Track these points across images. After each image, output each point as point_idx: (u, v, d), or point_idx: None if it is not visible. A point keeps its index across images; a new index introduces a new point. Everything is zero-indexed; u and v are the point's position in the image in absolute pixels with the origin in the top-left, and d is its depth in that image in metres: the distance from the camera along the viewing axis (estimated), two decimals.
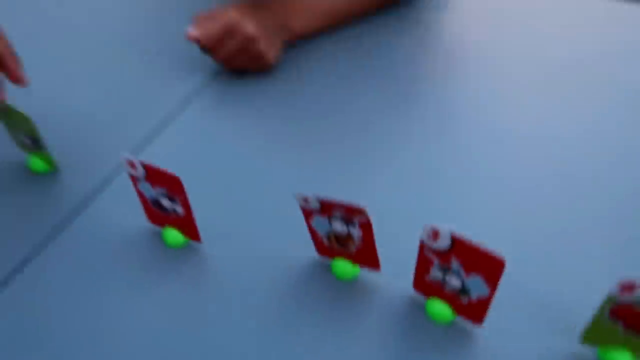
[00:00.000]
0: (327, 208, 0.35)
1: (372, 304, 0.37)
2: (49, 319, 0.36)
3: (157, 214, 0.40)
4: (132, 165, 0.37)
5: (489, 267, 0.31)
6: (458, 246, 0.32)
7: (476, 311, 0.34)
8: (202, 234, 0.41)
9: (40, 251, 0.40)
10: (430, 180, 0.45)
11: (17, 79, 0.44)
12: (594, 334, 0.33)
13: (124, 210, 0.43)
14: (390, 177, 0.46)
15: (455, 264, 0.33)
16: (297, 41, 0.63)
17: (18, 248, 0.41)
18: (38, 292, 0.38)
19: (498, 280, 0.31)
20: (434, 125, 0.51)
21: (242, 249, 0.40)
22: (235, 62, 0.57)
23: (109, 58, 0.62)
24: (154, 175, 0.37)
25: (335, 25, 0.65)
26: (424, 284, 0.36)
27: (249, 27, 0.54)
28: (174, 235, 0.40)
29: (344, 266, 0.38)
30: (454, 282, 0.34)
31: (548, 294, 0.37)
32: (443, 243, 0.32)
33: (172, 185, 0.37)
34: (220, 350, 0.34)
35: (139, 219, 0.42)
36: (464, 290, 0.34)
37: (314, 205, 0.35)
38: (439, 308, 0.36)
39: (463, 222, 0.42)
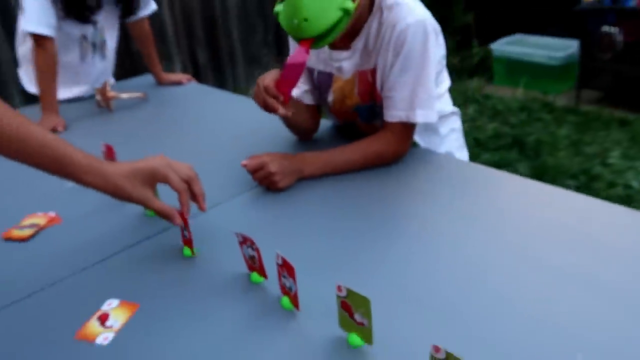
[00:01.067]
0: (245, 240, 0.74)
1: (259, 297, 0.74)
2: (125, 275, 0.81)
3: (184, 238, 0.84)
4: (179, 213, 0.83)
5: (291, 271, 0.67)
6: (284, 263, 0.68)
7: (295, 301, 0.69)
8: (201, 252, 0.83)
9: (135, 245, 0.87)
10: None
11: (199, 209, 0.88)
12: None
13: (176, 237, 0.88)
14: (351, 266, 0.82)
15: (285, 272, 0.69)
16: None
17: (122, 242, 0.88)
18: (135, 261, 0.83)
19: (294, 278, 0.67)
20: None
21: (215, 264, 0.81)
22: (262, 183, 1.01)
23: (207, 162, 1.12)
24: (182, 216, 0.82)
25: (336, 173, 1.05)
26: (282, 287, 0.72)
27: (272, 166, 0.99)
28: (186, 250, 0.83)
29: (255, 276, 0.76)
30: (288, 283, 0.70)
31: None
32: (279, 261, 0.69)
33: (185, 222, 0.81)
34: (180, 305, 0.74)
35: (179, 241, 0.87)
36: (290, 288, 0.69)
37: (240, 239, 0.75)
38: (285, 300, 0.71)
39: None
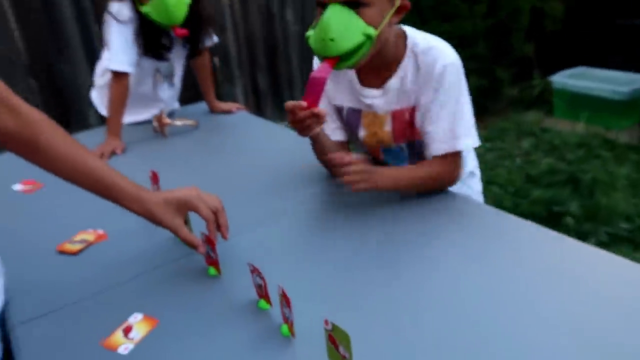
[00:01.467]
0: (254, 270, 0.83)
1: (264, 322, 0.82)
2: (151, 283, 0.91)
3: (208, 259, 0.94)
4: (202, 234, 0.92)
5: (288, 302, 0.74)
6: (284, 294, 0.76)
7: (291, 329, 0.76)
8: (224, 272, 0.92)
9: (166, 264, 0.97)
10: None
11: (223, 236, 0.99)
12: None
13: (201, 260, 0.98)
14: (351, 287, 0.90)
15: (284, 302, 0.76)
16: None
17: (155, 261, 0.98)
18: (163, 280, 0.94)
19: (290, 308, 0.74)
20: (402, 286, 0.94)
21: (230, 289, 0.90)
22: (355, 178, 1.05)
23: (240, 191, 1.22)
24: (207, 240, 0.91)
25: (404, 190, 1.13)
26: (283, 315, 0.79)
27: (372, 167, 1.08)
28: (211, 269, 0.93)
29: (262, 303, 0.84)
30: (287, 312, 0.77)
31: None
32: (280, 292, 0.76)
33: (212, 244, 0.90)
34: (184, 302, 0.83)
35: (202, 265, 0.96)
36: (288, 317, 0.76)
37: (250, 268, 0.83)
38: (284, 328, 0.78)
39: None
